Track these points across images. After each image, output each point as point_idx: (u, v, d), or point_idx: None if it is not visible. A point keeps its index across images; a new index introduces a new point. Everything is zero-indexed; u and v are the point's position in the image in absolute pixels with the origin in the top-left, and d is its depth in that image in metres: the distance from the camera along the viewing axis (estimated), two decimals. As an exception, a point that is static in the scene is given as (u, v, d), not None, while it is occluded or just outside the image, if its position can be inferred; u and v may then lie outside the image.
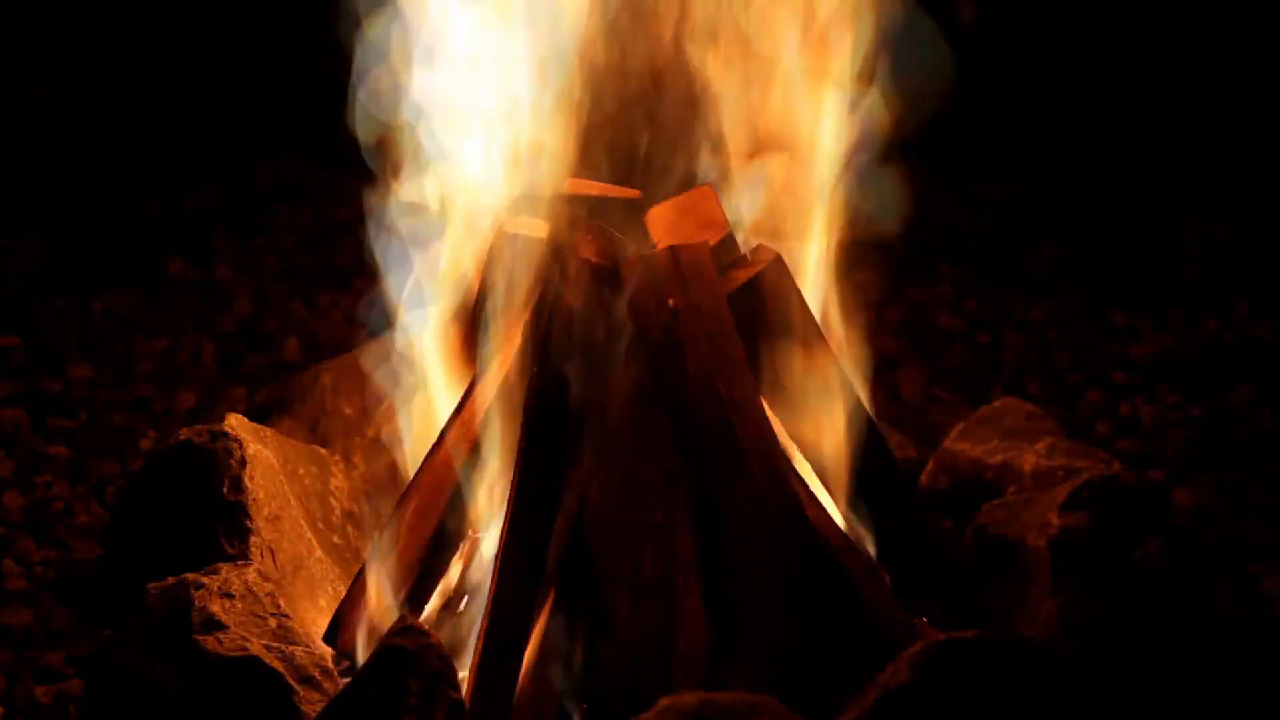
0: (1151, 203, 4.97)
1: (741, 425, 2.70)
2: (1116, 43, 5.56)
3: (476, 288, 2.82)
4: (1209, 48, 5.44)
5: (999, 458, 3.09)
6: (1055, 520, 2.75)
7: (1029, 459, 3.06)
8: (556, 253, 2.73)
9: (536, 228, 2.77)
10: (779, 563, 2.68)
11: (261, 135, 5.33)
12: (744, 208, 2.86)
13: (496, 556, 2.70)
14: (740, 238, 2.83)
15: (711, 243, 2.76)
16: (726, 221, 2.79)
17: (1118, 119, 5.37)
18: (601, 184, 2.79)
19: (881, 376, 4.10)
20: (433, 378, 2.92)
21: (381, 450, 3.25)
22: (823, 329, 2.88)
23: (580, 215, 2.76)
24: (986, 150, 5.32)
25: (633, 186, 2.83)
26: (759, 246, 2.82)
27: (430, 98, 2.86)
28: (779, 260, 2.81)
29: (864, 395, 2.90)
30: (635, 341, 2.70)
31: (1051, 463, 3.04)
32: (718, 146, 2.83)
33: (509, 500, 2.73)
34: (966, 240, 4.85)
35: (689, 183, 2.82)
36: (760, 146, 2.85)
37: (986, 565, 2.88)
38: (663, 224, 2.79)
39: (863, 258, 4.65)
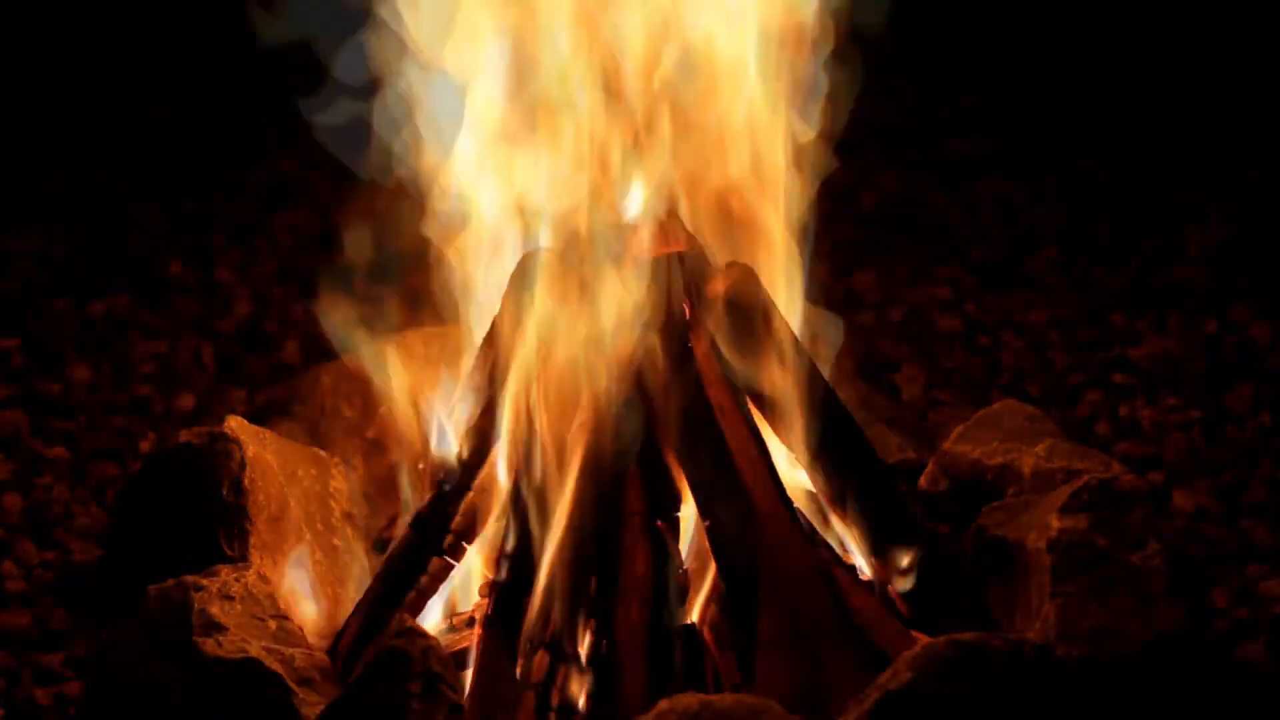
0: (1151, 204, 4.97)
1: (730, 435, 2.74)
2: (1117, 43, 5.56)
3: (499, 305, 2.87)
4: (1210, 48, 5.45)
5: (998, 459, 3.09)
6: (1055, 522, 2.75)
7: (1029, 461, 3.05)
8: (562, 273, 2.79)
9: (552, 250, 2.84)
10: (770, 573, 2.70)
11: (261, 136, 5.33)
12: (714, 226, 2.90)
13: (496, 564, 2.72)
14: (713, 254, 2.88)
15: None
16: (694, 238, 2.83)
17: (1118, 119, 5.38)
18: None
19: (881, 378, 4.10)
20: (445, 386, 2.96)
21: (382, 452, 3.25)
22: (802, 338, 2.90)
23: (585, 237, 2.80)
24: (986, 151, 5.33)
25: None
26: (731, 262, 2.85)
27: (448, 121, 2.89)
28: (751, 273, 2.83)
29: (848, 401, 2.93)
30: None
31: (1051, 465, 3.03)
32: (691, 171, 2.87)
33: (508, 503, 2.76)
34: (966, 242, 4.86)
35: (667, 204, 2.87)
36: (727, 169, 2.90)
37: (986, 567, 2.88)
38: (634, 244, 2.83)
39: (862, 259, 4.67)
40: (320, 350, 4.17)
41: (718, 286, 2.82)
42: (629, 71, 2.81)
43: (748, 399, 2.82)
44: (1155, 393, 4.02)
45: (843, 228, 4.87)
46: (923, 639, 2.66)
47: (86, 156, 5.31)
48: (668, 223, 2.82)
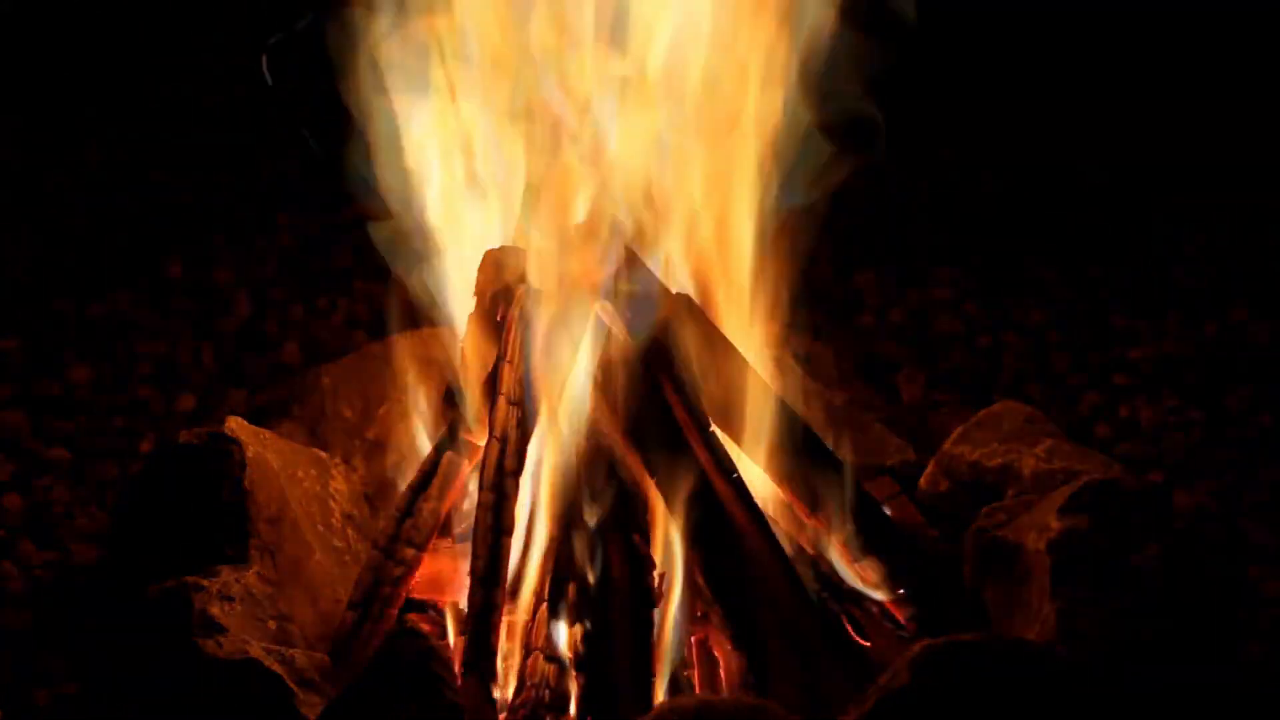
0: (1151, 204, 4.97)
1: (700, 454, 2.79)
2: (1118, 43, 5.57)
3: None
4: (1210, 47, 5.45)
5: (998, 460, 3.09)
6: (1055, 523, 2.75)
7: (1029, 462, 3.06)
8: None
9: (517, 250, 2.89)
10: (756, 583, 2.71)
11: (261, 137, 5.33)
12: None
13: (472, 572, 2.74)
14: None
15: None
16: (645, 265, 2.88)
17: (1117, 119, 5.38)
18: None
19: (881, 379, 4.10)
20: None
21: (381, 452, 3.25)
22: (759, 360, 2.94)
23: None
24: (985, 151, 5.33)
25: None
26: (675, 293, 2.90)
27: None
28: (689, 301, 2.88)
29: (806, 413, 2.95)
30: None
31: (1051, 465, 3.03)
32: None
33: (484, 510, 2.78)
34: (966, 243, 4.86)
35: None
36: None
37: (986, 568, 2.88)
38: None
39: (863, 260, 4.66)
40: (320, 351, 4.18)
41: (658, 316, 2.85)
42: (596, 88, 2.84)
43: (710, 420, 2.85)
44: (1155, 393, 4.02)
45: (843, 228, 4.87)
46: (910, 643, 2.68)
47: (86, 156, 5.30)
48: (613, 244, 2.85)
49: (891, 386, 4.08)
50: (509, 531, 2.75)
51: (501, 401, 2.79)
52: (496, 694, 2.69)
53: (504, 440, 2.77)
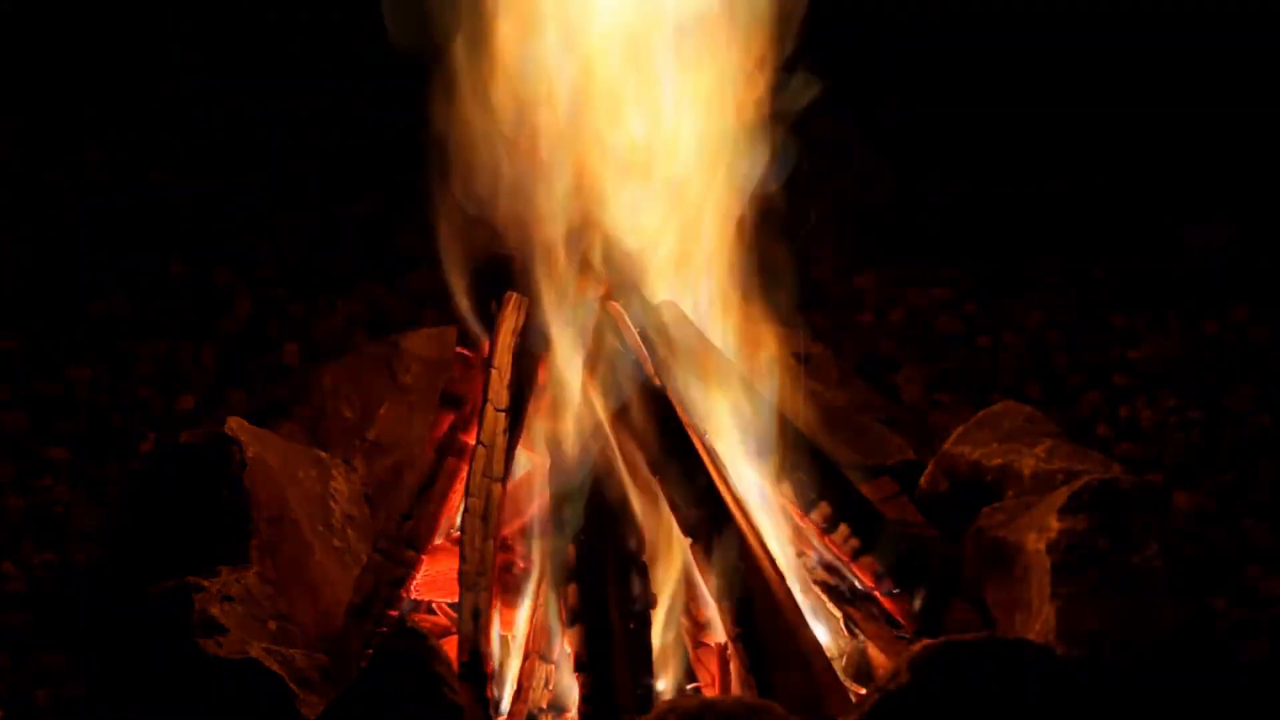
0: (1152, 204, 4.97)
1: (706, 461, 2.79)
2: (1119, 43, 5.56)
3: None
4: (1209, 50, 5.45)
5: (998, 460, 3.09)
6: (1055, 523, 2.75)
7: (1028, 462, 3.06)
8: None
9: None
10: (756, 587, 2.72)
11: (263, 139, 5.34)
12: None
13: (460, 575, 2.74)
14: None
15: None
16: (630, 278, 2.89)
17: (1119, 120, 5.38)
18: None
19: (881, 379, 4.11)
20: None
21: (381, 452, 3.25)
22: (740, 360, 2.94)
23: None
24: (986, 151, 5.33)
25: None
26: (661, 301, 2.91)
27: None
28: (675, 308, 2.89)
29: (802, 414, 2.96)
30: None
31: (1051, 465, 3.03)
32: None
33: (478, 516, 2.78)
34: (966, 243, 4.86)
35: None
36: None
37: (986, 568, 2.88)
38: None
39: (862, 259, 4.66)
40: (320, 351, 4.18)
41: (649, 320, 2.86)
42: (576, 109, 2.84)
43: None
44: (1155, 393, 4.03)
45: (843, 228, 4.87)
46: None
47: (86, 156, 5.31)
48: (604, 261, 2.86)
49: (891, 386, 4.09)
50: (494, 536, 2.75)
51: (488, 409, 2.79)
52: (493, 696, 2.69)
53: (490, 447, 2.78)
